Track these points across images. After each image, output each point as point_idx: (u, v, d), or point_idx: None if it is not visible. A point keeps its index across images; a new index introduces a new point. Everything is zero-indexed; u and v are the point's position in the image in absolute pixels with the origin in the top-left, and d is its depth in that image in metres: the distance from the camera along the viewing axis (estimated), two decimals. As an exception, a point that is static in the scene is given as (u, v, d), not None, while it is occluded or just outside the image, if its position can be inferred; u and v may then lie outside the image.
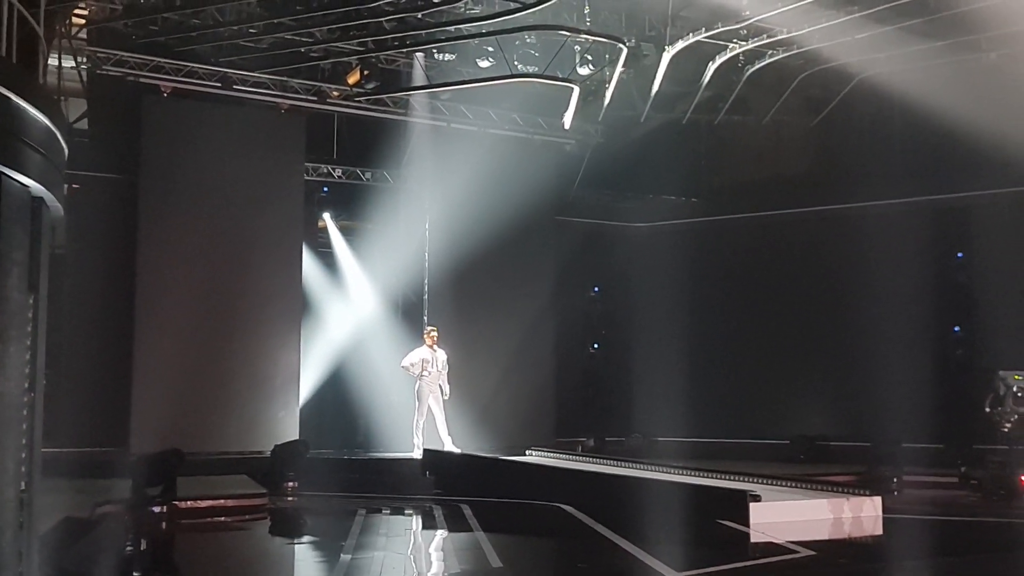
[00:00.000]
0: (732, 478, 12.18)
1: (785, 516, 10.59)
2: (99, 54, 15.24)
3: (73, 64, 15.56)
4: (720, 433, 17.48)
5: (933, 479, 14.31)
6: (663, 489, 11.75)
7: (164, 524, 10.88)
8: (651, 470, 13.19)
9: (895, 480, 13.91)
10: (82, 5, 14.88)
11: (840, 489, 11.61)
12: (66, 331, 14.20)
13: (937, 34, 15.12)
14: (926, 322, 16.57)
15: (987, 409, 14.25)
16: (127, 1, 14.48)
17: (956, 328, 16.72)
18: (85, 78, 15.73)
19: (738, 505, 10.40)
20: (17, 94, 6.66)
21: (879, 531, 10.70)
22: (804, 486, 12.01)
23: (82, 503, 10.65)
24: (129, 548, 9.30)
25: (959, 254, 16.77)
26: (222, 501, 12.00)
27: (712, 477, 12.43)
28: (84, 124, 15.92)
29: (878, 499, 11.33)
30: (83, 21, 15.36)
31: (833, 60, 16.14)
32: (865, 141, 17.76)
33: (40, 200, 7.21)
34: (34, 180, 6.86)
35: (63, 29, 14.96)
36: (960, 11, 14.31)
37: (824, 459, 16.26)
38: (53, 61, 14.13)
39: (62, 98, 14.87)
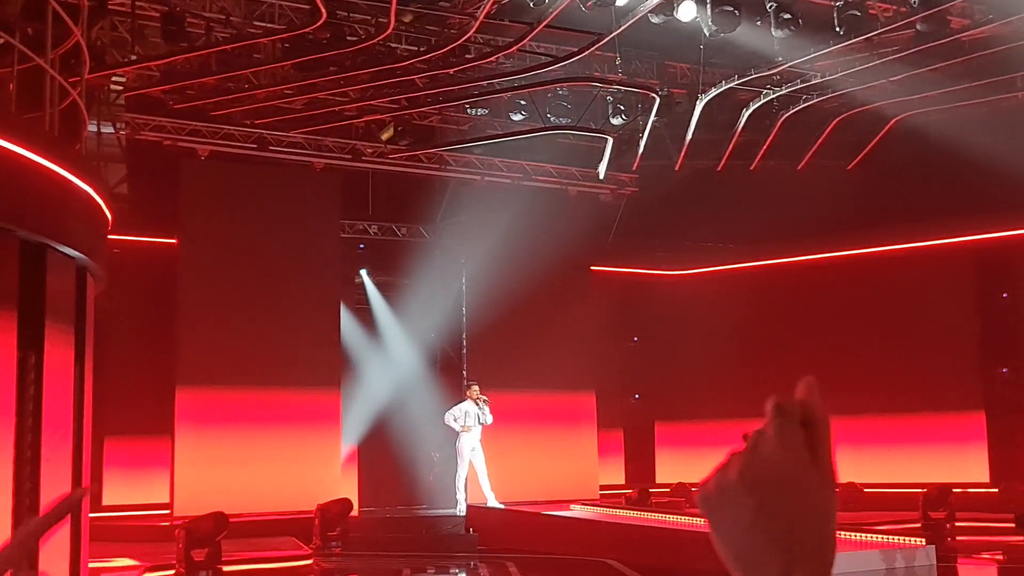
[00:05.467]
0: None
1: (836, 567, 10.32)
2: (137, 120, 15.45)
3: (112, 130, 15.78)
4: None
5: (988, 524, 13.99)
6: (710, 541, 11.56)
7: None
8: (698, 521, 12.99)
9: (948, 527, 13.61)
10: (120, 72, 15.10)
11: (892, 538, 11.37)
12: (108, 394, 14.25)
13: (972, 75, 15.03)
14: (973, 364, 16.33)
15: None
16: (164, 67, 14.67)
17: (1004, 369, 16.46)
18: (124, 143, 15.94)
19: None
20: (61, 166, 6.73)
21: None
22: (855, 535, 11.77)
23: (130, 569, 10.62)
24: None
25: (1004, 294, 16.56)
26: (267, 564, 11.93)
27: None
28: (123, 188, 16.10)
29: (932, 548, 11.08)
30: (121, 88, 15.58)
31: (868, 103, 16.08)
32: (904, 183, 17.61)
33: (84, 269, 7.26)
34: (78, 251, 6.91)
35: (101, 96, 15.18)
36: (994, 51, 14.22)
37: (874, 506, 15.96)
38: (92, 127, 14.32)
39: (101, 163, 15.06)
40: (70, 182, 6.87)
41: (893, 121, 16.78)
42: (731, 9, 12.91)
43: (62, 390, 6.84)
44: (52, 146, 6.77)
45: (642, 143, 16.89)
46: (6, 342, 6.10)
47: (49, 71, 7.30)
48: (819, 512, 0.94)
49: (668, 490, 17.91)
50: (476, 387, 15.28)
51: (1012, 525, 13.70)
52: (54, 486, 6.75)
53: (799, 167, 17.93)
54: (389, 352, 17.86)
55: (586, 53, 14.62)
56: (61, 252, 6.71)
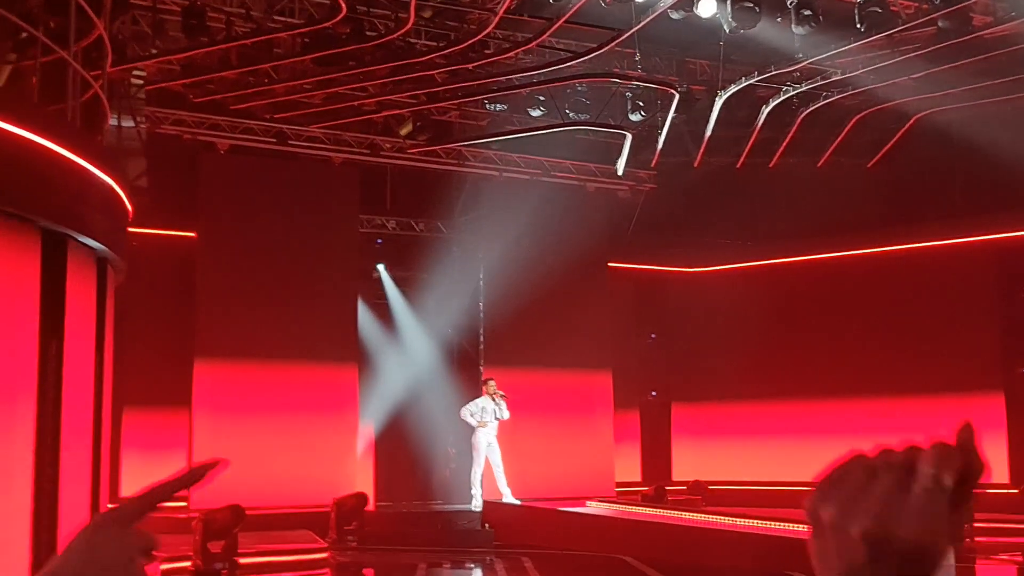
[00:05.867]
0: (799, 526, 11.91)
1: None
2: (157, 113, 15.51)
3: (132, 123, 15.84)
4: (785, 479, 17.17)
5: (1007, 525, 13.91)
6: (727, 539, 11.54)
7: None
8: (715, 519, 12.97)
9: (967, 526, 13.50)
10: (140, 66, 15.16)
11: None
12: (126, 387, 14.33)
13: (994, 72, 14.94)
14: (994, 364, 16.26)
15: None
16: (184, 61, 14.71)
17: (1025, 369, 16.40)
18: (144, 137, 16.00)
19: (807, 555, 10.15)
20: (83, 157, 6.76)
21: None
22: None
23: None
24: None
25: (1025, 293, 16.49)
26: (283, 557, 11.97)
27: (778, 525, 12.18)
28: (142, 182, 16.17)
29: (950, 548, 11.01)
30: (141, 81, 15.65)
31: (889, 100, 16.00)
32: (924, 181, 17.53)
33: (105, 260, 7.29)
34: (99, 242, 6.94)
35: (122, 90, 15.24)
36: (1017, 49, 14.12)
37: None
38: (112, 121, 14.38)
39: (121, 157, 15.13)
40: (92, 174, 6.90)
41: (914, 119, 16.67)
42: (751, 5, 12.85)
43: (82, 379, 6.88)
44: (74, 138, 6.80)
45: (661, 139, 16.84)
46: (28, 331, 6.13)
47: (72, 63, 7.34)
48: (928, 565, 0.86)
49: (685, 487, 17.90)
50: (493, 383, 15.29)
51: (1032, 526, 13.63)
52: (74, 473, 6.79)
53: (818, 164, 17.85)
54: (406, 347, 17.89)
55: (605, 49, 14.59)
56: (82, 243, 6.74)
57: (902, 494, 0.85)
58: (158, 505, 1.05)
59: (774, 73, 15.19)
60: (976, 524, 13.48)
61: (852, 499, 0.86)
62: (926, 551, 0.85)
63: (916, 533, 0.84)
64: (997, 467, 15.51)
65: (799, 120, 16.68)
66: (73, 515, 6.78)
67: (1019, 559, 12.79)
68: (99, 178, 6.99)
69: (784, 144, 17.39)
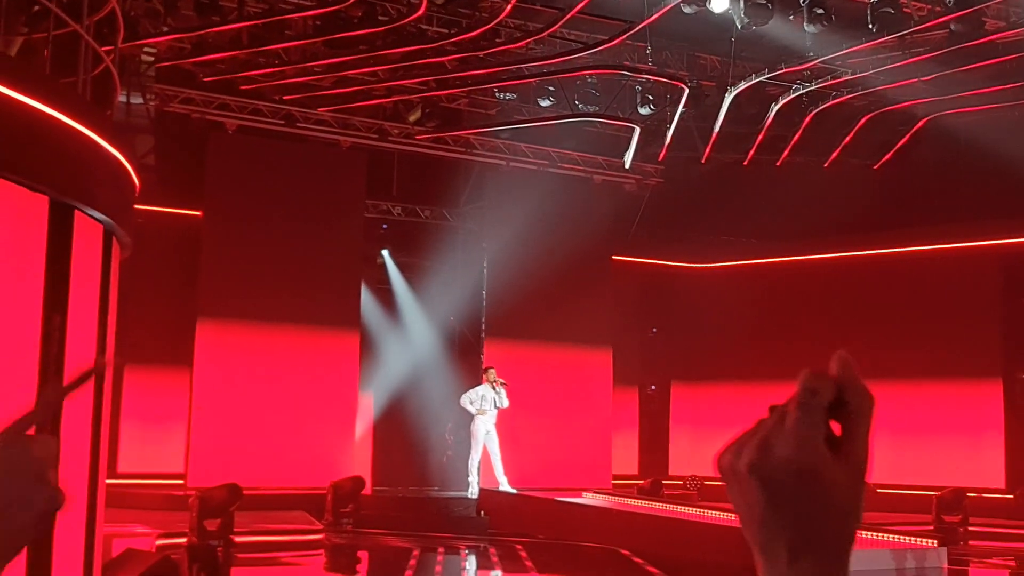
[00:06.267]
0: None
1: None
2: (167, 91, 15.51)
3: (141, 100, 15.85)
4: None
5: (1002, 530, 13.94)
6: (721, 533, 11.55)
7: (221, 558, 10.90)
8: (709, 513, 12.99)
9: (962, 531, 13.55)
10: (151, 43, 15.16)
11: (903, 538, 11.33)
12: (127, 364, 14.39)
13: (1005, 77, 14.92)
14: (994, 370, 16.26)
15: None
16: (195, 40, 14.71)
17: (1024, 375, 16.40)
18: (153, 115, 16.01)
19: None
20: (92, 130, 6.78)
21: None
22: (865, 534, 11.73)
23: (143, 535, 10.72)
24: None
25: (1028, 299, 16.49)
26: (279, 537, 12.01)
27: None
28: (150, 159, 16.18)
29: (943, 549, 11.05)
30: (152, 59, 15.65)
31: (898, 101, 15.98)
32: (931, 184, 17.51)
33: (111, 234, 7.31)
34: (105, 214, 6.96)
35: (132, 67, 15.25)
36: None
37: (886, 506, 15.91)
38: (121, 97, 14.39)
39: (130, 133, 15.15)
40: (100, 147, 6.92)
41: (922, 121, 16.67)
42: (764, 2, 12.85)
43: (84, 352, 6.90)
44: (84, 111, 6.82)
45: (669, 134, 16.83)
46: (32, 302, 6.16)
47: (85, 37, 7.36)
48: (837, 509, 0.87)
49: (681, 482, 17.92)
50: (493, 371, 15.30)
51: (1026, 531, 13.65)
52: (73, 447, 6.82)
53: (825, 164, 17.82)
54: (408, 333, 17.91)
55: (617, 42, 14.59)
56: (89, 215, 6.76)
57: (783, 423, 0.86)
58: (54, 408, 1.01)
59: (784, 71, 15.19)
60: (971, 528, 13.55)
61: (744, 440, 0.88)
62: (811, 475, 0.85)
63: (793, 449, 0.85)
64: (993, 472, 15.55)
65: (808, 119, 16.67)
66: (72, 488, 6.81)
67: (1012, 564, 12.81)
68: (108, 151, 7.01)
69: (792, 142, 17.36)
